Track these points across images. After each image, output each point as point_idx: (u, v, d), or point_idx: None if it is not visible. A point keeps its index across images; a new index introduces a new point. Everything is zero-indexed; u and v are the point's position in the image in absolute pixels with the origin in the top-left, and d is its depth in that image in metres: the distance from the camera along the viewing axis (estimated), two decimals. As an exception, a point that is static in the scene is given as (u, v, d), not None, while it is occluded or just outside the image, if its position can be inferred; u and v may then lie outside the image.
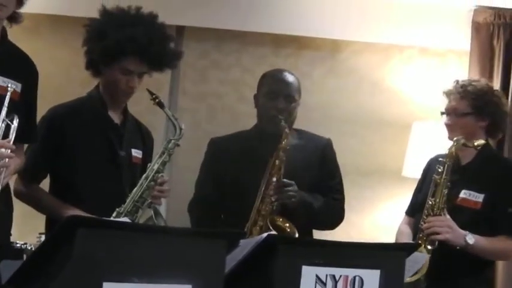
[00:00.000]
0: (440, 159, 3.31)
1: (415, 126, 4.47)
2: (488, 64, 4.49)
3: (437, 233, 3.17)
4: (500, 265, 4.25)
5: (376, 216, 4.61)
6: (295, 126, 3.54)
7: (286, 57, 4.64)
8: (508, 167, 3.44)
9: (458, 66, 4.61)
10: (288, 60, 4.58)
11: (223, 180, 3.43)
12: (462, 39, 4.53)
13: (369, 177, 4.57)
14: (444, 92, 3.41)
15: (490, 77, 4.46)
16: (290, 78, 3.47)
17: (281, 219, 3.27)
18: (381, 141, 4.62)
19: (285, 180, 3.28)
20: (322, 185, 3.47)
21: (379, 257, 2.38)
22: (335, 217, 3.53)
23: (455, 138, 3.27)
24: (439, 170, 3.26)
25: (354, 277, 2.30)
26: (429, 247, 3.17)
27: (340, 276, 2.28)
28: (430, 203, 3.25)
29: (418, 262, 2.95)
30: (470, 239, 3.15)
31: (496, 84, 4.42)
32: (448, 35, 4.57)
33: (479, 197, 3.25)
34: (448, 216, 3.21)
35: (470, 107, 3.31)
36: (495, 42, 4.50)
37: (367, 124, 4.62)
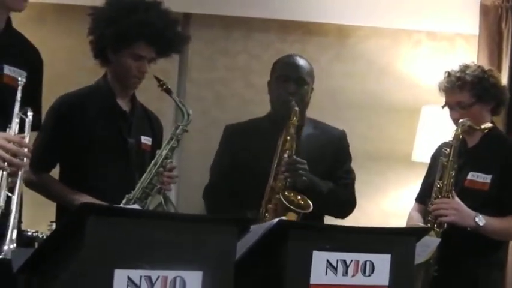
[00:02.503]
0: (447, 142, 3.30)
1: (424, 110, 4.45)
2: (497, 47, 4.48)
3: (444, 215, 3.17)
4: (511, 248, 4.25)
5: (385, 202, 4.61)
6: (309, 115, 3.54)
7: (293, 43, 4.63)
8: None
9: (467, 49, 4.61)
10: (295, 46, 4.56)
11: (238, 166, 3.43)
12: (470, 23, 4.52)
13: (378, 162, 4.57)
14: (440, 87, 3.37)
15: (499, 60, 4.45)
16: (300, 61, 3.47)
17: (293, 193, 3.26)
18: (389, 126, 4.61)
19: (297, 158, 3.28)
20: (334, 174, 3.46)
21: (389, 241, 2.37)
22: (346, 202, 3.51)
23: (460, 121, 3.25)
24: (446, 153, 3.26)
25: (365, 262, 2.30)
26: (438, 229, 3.17)
27: (351, 261, 2.27)
28: (438, 185, 3.25)
29: (429, 246, 2.95)
30: (481, 220, 3.15)
31: (505, 67, 4.43)
32: (456, 18, 4.55)
33: (487, 178, 3.25)
34: (456, 199, 3.20)
35: (473, 97, 3.29)
36: (503, 25, 4.48)
37: (376, 109, 4.62)
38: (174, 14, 3.22)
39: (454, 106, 3.33)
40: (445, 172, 3.25)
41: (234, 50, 4.62)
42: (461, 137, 3.27)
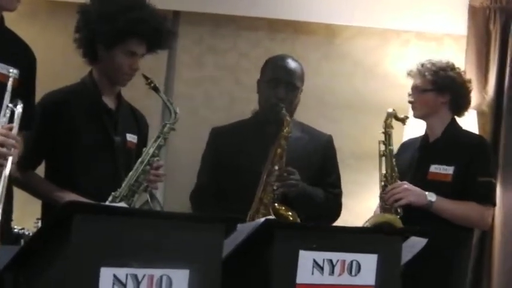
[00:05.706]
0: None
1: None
2: (485, 48, 4.50)
3: (400, 199, 3.26)
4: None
5: (372, 201, 4.60)
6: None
7: (282, 41, 4.63)
8: (475, 138, 3.56)
9: (455, 50, 4.62)
10: (283, 45, 4.57)
11: (225, 170, 3.41)
12: (459, 24, 4.53)
13: (365, 161, 4.56)
14: (407, 73, 3.52)
15: (487, 60, 4.47)
16: (292, 65, 3.44)
17: (284, 208, 3.25)
18: (377, 126, 4.60)
19: (288, 168, 3.28)
20: (320, 180, 3.46)
21: (376, 241, 2.39)
22: (333, 212, 3.51)
23: (388, 110, 3.47)
24: (382, 143, 3.42)
25: (351, 261, 2.31)
26: (396, 216, 3.25)
27: (338, 260, 2.29)
28: (385, 175, 3.37)
29: (415, 246, 2.96)
30: (432, 196, 3.26)
31: (493, 68, 4.45)
32: (444, 19, 4.56)
33: (449, 170, 3.34)
34: (400, 182, 3.32)
35: (430, 83, 3.42)
36: (491, 26, 4.50)
37: (363, 109, 4.62)
38: (161, 12, 3.22)
39: (413, 90, 3.48)
40: (387, 160, 3.38)
41: (223, 48, 4.62)
42: (392, 124, 3.46)
